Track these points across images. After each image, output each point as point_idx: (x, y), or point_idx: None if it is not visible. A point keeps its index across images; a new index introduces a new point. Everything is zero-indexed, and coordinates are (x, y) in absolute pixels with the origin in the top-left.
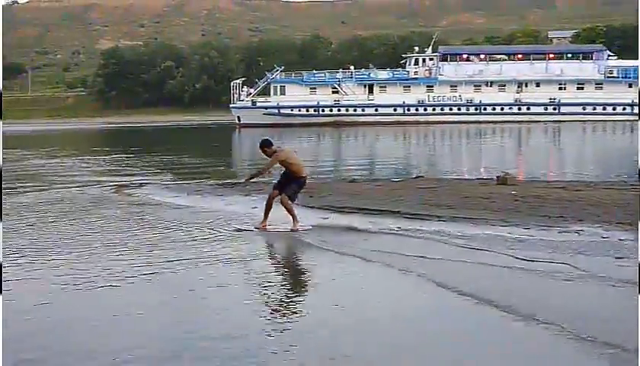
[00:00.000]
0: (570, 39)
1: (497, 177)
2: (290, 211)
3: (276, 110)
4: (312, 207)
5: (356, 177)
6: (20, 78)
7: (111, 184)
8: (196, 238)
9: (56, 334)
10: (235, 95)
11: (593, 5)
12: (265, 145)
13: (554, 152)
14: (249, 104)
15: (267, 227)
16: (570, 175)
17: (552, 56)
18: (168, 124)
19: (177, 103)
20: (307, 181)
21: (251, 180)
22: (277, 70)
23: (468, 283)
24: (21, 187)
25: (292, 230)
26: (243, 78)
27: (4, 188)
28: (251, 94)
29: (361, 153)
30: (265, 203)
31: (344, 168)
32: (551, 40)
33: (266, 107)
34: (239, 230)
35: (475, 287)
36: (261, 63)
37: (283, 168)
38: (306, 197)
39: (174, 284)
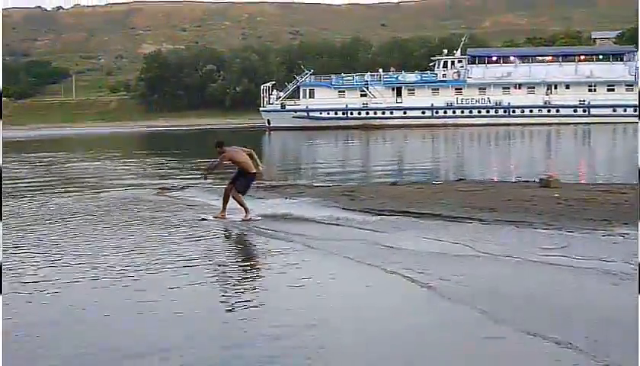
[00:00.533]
0: (614, 39)
1: (540, 179)
2: (240, 203)
3: (305, 113)
4: (352, 210)
5: (396, 180)
6: (65, 82)
7: (154, 186)
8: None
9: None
10: (265, 99)
11: (631, 4)
12: (217, 145)
13: (588, 154)
14: (278, 107)
15: (226, 216)
16: (606, 178)
17: (582, 57)
18: (208, 127)
19: (219, 106)
20: (257, 177)
21: (208, 173)
22: (307, 73)
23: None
24: (66, 189)
25: (244, 220)
26: (273, 82)
27: (48, 189)
28: (280, 97)
29: (393, 156)
30: (223, 195)
31: (379, 171)
32: (594, 41)
33: (295, 111)
34: (204, 219)
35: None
36: (302, 66)
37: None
38: (347, 200)
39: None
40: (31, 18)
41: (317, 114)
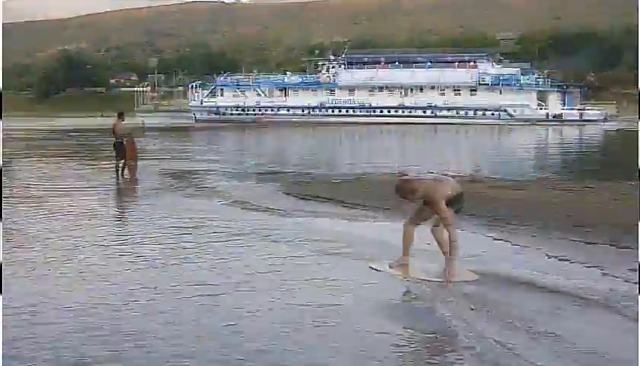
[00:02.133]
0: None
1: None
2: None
3: (216, 109)
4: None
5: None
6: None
7: None
8: None
9: None
10: (191, 96)
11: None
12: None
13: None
14: (198, 103)
15: None
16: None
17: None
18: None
19: None
20: None
21: None
22: (226, 74)
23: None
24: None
25: None
26: (199, 82)
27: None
28: (204, 94)
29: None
30: None
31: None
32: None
33: (210, 107)
34: None
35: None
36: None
37: None
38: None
39: None
40: (212, 12)
41: (223, 110)
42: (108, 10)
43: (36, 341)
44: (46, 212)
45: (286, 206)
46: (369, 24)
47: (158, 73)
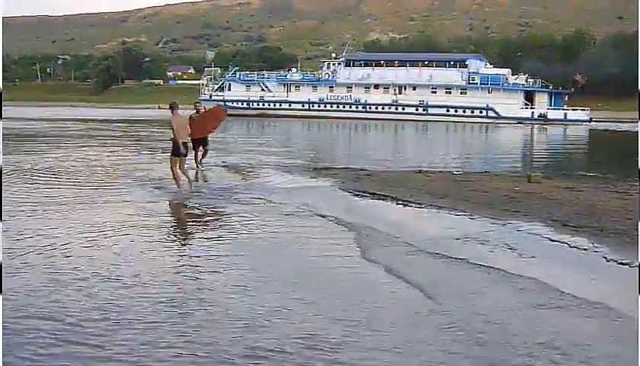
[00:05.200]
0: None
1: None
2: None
3: (223, 103)
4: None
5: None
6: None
7: None
8: None
9: None
10: (201, 90)
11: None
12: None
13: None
14: (208, 97)
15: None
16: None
17: (426, 63)
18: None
19: None
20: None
21: None
22: (233, 70)
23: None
24: None
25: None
26: (208, 76)
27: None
28: (213, 89)
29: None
30: None
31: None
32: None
33: (217, 100)
34: None
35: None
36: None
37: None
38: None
39: None
40: (269, 6)
41: (230, 104)
42: (168, 3)
43: None
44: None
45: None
46: (425, 20)
47: (215, 66)
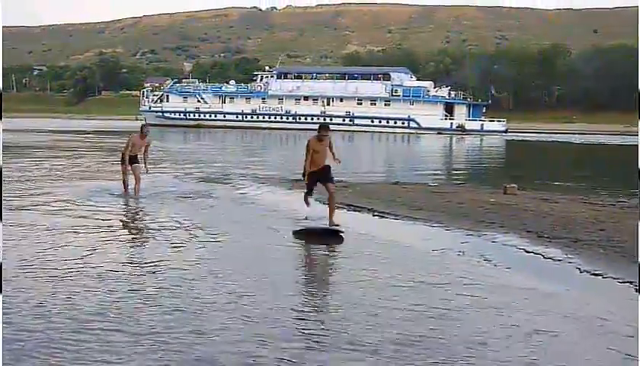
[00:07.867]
0: None
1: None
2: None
3: (161, 114)
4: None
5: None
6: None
7: None
8: None
9: None
10: (142, 101)
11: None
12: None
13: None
14: (147, 108)
15: None
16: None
17: (353, 76)
18: None
19: None
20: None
21: None
22: (172, 82)
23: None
24: None
25: None
26: (150, 88)
27: None
28: (153, 100)
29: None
30: None
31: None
32: None
33: (156, 111)
34: None
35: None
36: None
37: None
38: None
39: None
40: (247, 18)
41: (167, 115)
42: (146, 14)
43: None
44: None
45: None
46: (403, 33)
47: (192, 78)
